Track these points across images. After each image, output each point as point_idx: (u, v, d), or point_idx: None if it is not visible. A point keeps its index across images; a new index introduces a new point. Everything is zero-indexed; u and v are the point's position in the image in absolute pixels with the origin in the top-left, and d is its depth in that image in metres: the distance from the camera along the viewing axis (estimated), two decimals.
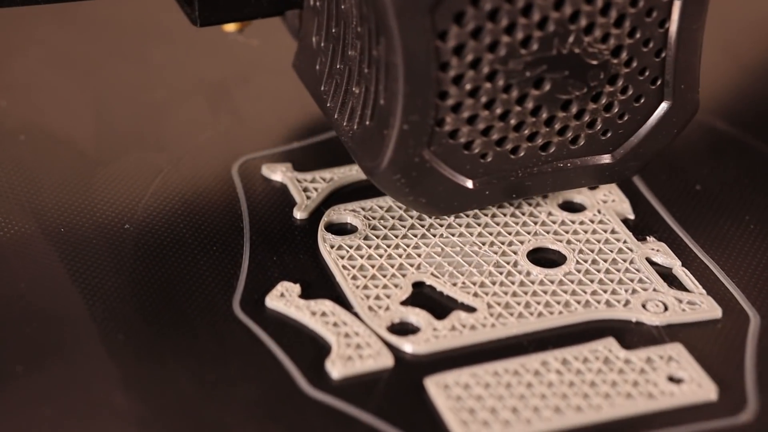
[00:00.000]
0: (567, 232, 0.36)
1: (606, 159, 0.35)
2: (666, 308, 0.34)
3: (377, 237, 0.36)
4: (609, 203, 0.37)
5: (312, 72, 0.36)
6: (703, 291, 0.35)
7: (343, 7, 0.34)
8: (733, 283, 0.35)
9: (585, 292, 0.34)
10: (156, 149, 0.39)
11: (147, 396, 0.32)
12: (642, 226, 0.37)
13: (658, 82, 0.34)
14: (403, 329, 0.33)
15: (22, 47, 0.43)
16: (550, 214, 0.37)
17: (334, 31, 0.35)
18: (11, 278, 0.34)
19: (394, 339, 0.33)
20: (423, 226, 0.36)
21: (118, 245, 0.35)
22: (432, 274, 0.35)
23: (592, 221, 0.37)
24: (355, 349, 0.33)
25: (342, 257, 0.35)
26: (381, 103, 0.33)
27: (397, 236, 0.36)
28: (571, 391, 0.32)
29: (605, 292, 0.34)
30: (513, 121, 0.34)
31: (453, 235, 0.36)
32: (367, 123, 0.34)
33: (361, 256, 0.35)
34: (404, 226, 0.36)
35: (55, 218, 0.36)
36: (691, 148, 0.40)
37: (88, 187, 0.37)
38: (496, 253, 0.35)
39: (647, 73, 0.34)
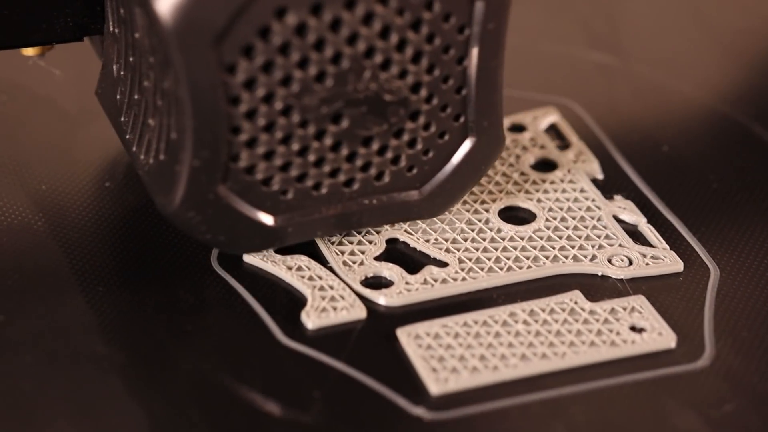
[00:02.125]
0: (537, 191, 0.37)
1: (414, 195, 0.34)
2: (630, 263, 0.35)
3: None
4: (579, 163, 0.38)
5: (113, 101, 0.35)
6: (667, 246, 0.36)
7: (137, 35, 0.33)
8: (696, 238, 0.36)
9: (553, 248, 0.35)
10: None
11: (126, 344, 0.32)
12: (610, 185, 0.38)
13: (461, 119, 0.33)
14: (377, 283, 0.34)
15: None
16: (521, 174, 0.37)
17: (131, 60, 0.33)
18: None
19: (367, 292, 0.34)
20: None
21: (98, 202, 0.36)
22: (405, 230, 0.36)
23: (562, 180, 0.37)
24: (329, 302, 0.34)
25: None
26: (173, 137, 0.32)
27: None
28: (537, 340, 0.33)
29: (573, 247, 0.35)
30: (312, 157, 0.32)
31: None
32: (162, 157, 0.32)
33: None
34: None
35: (36, 175, 0.37)
36: (659, 111, 0.41)
37: (70, 146, 0.38)
38: (468, 211, 0.36)
39: (449, 110, 0.33)
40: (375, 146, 0.33)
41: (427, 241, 0.35)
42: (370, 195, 0.34)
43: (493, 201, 0.37)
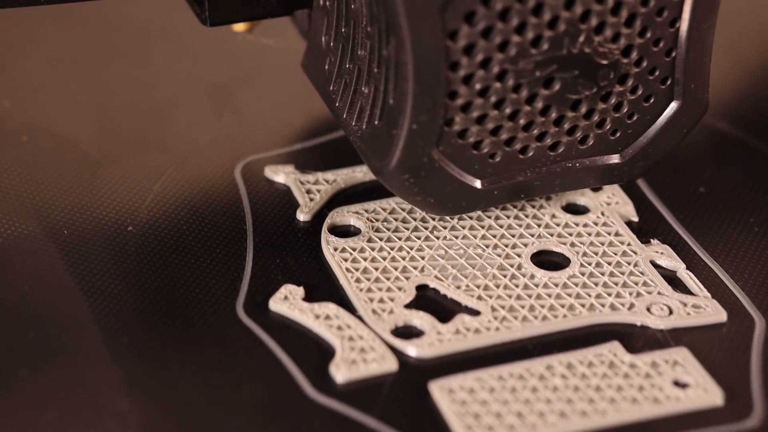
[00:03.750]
0: (571, 235, 0.36)
1: (615, 159, 0.35)
2: (671, 312, 0.34)
3: (380, 239, 0.36)
4: (612, 205, 0.37)
5: (321, 72, 0.36)
6: (708, 294, 0.35)
7: (353, 6, 0.34)
8: (738, 286, 0.35)
9: (589, 296, 0.34)
10: (159, 151, 0.39)
11: (151, 399, 0.31)
12: (646, 228, 0.37)
13: (668, 82, 0.34)
14: (407, 333, 0.33)
15: (25, 48, 0.43)
16: (553, 216, 0.37)
17: (343, 30, 0.35)
18: (15, 281, 0.34)
19: (398, 342, 0.33)
20: (426, 229, 0.36)
21: (121, 247, 0.35)
22: (436, 276, 0.35)
23: (596, 223, 0.36)
24: (359, 353, 0.33)
25: (345, 260, 0.35)
26: (390, 103, 0.33)
27: (400, 239, 0.36)
28: (576, 395, 0.32)
29: (609, 295, 0.34)
30: (522, 121, 0.33)
31: (456, 237, 0.36)
32: (376, 123, 0.34)
33: (365, 259, 0.35)
34: (407, 229, 0.36)
35: (58, 220, 0.36)
36: (694, 149, 0.40)
37: (91, 189, 0.37)
38: (499, 255, 0.35)
39: (657, 73, 0.34)
40: (582, 110, 0.34)
41: (458, 287, 0.34)
42: (573, 158, 0.34)
43: (525, 245, 0.36)
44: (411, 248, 0.35)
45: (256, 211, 0.37)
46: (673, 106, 0.35)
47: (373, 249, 0.35)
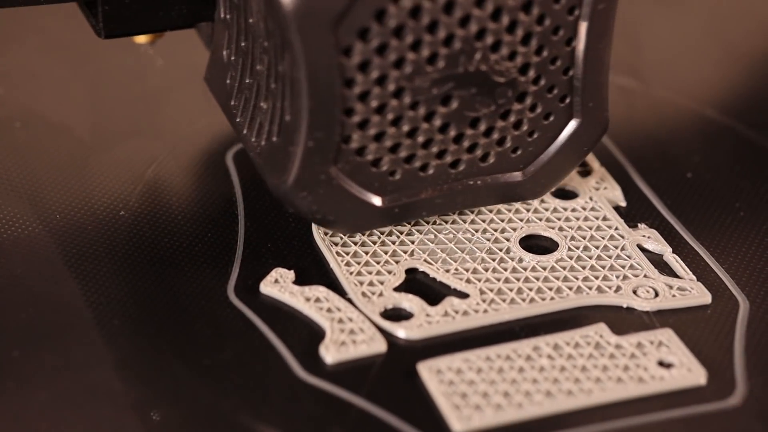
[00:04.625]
0: (559, 219, 0.36)
1: (517, 177, 0.35)
2: (657, 294, 0.34)
3: None
4: (601, 190, 0.37)
5: (223, 86, 0.35)
6: (693, 277, 0.35)
7: (250, 21, 0.33)
8: (723, 269, 0.35)
9: (577, 279, 0.35)
10: (151, 137, 0.39)
11: (142, 381, 0.32)
12: (633, 213, 0.37)
13: (567, 100, 0.34)
14: (397, 315, 0.34)
15: (19, 35, 0.43)
16: (542, 201, 0.37)
17: (243, 45, 0.34)
18: (7, 264, 0.34)
19: (387, 324, 0.33)
20: None
21: (113, 232, 0.36)
22: (425, 260, 0.35)
23: (584, 208, 0.37)
24: (348, 335, 0.33)
25: (336, 244, 0.35)
26: (287, 119, 0.32)
27: None
28: (563, 375, 0.32)
29: (597, 278, 0.35)
30: (421, 139, 0.33)
31: (446, 222, 0.36)
32: (274, 139, 0.33)
33: (355, 243, 0.35)
34: None
35: (51, 205, 0.36)
36: (682, 136, 0.40)
37: (84, 174, 0.38)
38: (488, 239, 0.36)
39: (556, 91, 0.34)
40: (482, 127, 0.34)
41: (447, 271, 0.35)
42: (475, 176, 0.34)
43: (514, 229, 0.36)
44: (401, 232, 0.36)
45: (248, 196, 0.37)
46: (573, 124, 0.34)
47: (363, 233, 0.36)
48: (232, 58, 0.35)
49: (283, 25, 0.31)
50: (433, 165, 0.34)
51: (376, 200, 0.34)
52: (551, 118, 0.34)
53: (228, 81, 0.35)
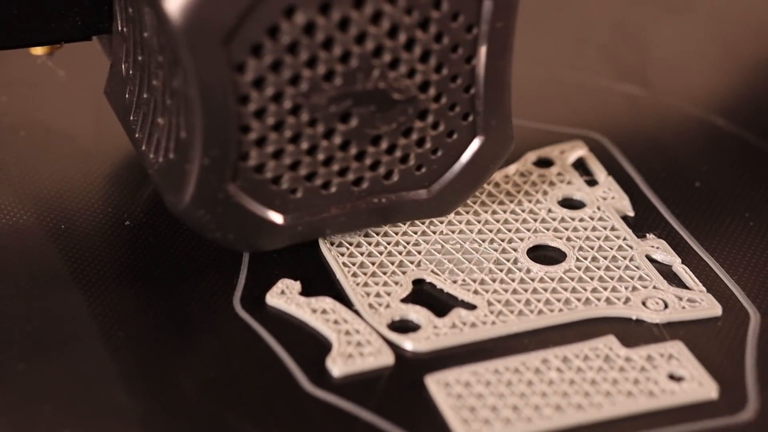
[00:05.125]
0: (567, 229, 0.36)
1: (422, 194, 0.34)
2: (666, 306, 0.34)
3: (377, 234, 0.36)
4: (609, 200, 0.37)
5: (122, 100, 0.35)
6: (703, 288, 0.35)
7: (145, 35, 0.33)
8: (733, 280, 0.35)
9: (585, 290, 0.34)
10: None
11: (148, 394, 0.32)
12: (641, 223, 0.37)
13: (470, 118, 0.34)
14: (404, 327, 0.33)
15: None
16: (549, 211, 0.37)
17: (140, 59, 0.34)
18: (12, 275, 0.34)
19: (394, 336, 0.33)
20: (423, 223, 0.36)
21: (118, 242, 0.35)
22: (432, 271, 0.35)
23: (592, 218, 0.37)
24: (355, 347, 0.33)
25: (342, 254, 0.35)
26: (182, 136, 0.32)
27: (397, 233, 0.36)
28: (572, 389, 0.32)
29: (605, 289, 0.34)
30: (321, 156, 0.33)
31: (453, 232, 0.36)
32: (171, 156, 0.33)
33: (362, 254, 0.35)
34: (404, 223, 0.36)
35: (56, 215, 0.36)
36: (690, 145, 0.40)
37: (88, 184, 0.37)
38: (496, 250, 0.35)
39: (458, 109, 0.33)
40: (384, 145, 0.33)
41: (455, 282, 0.34)
42: (379, 194, 0.34)
43: (522, 240, 0.36)
44: (407, 243, 0.36)
45: None
46: (477, 141, 0.34)
47: (369, 243, 0.35)
48: (130, 72, 0.34)
49: (172, 40, 0.31)
50: (336, 183, 0.33)
51: (278, 218, 0.33)
52: (454, 136, 0.34)
53: (127, 95, 0.35)
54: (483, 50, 0.33)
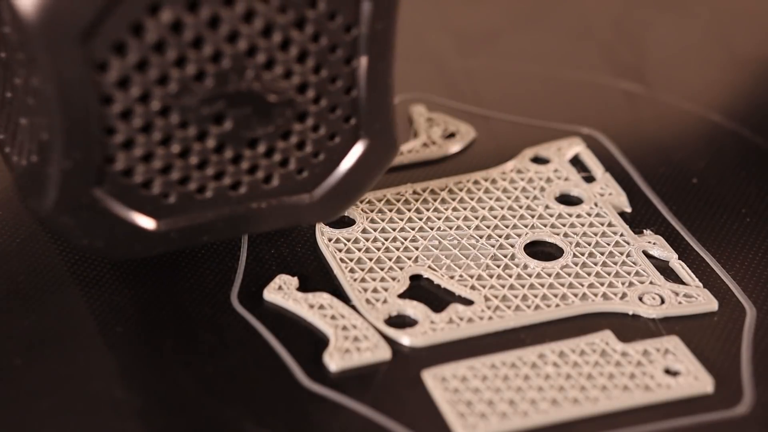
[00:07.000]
0: (564, 225, 0.36)
1: (305, 199, 0.33)
2: (663, 301, 0.34)
3: (375, 230, 0.36)
4: (606, 196, 0.37)
5: None
6: (700, 284, 0.35)
7: (6, 30, 0.31)
8: (729, 275, 0.35)
9: (582, 285, 0.34)
10: None
11: (145, 389, 0.32)
12: (639, 219, 0.37)
13: (352, 121, 0.33)
14: (401, 322, 0.33)
15: None
16: (547, 207, 0.37)
17: (2, 55, 0.32)
18: (10, 271, 0.34)
19: (391, 332, 0.33)
20: (420, 219, 0.36)
21: None
22: (429, 266, 0.35)
23: (589, 214, 0.37)
24: (352, 342, 0.33)
25: (340, 250, 0.35)
26: (43, 138, 0.31)
27: (394, 229, 0.36)
28: (568, 383, 0.32)
29: (602, 285, 0.34)
30: (195, 160, 0.32)
31: (450, 228, 0.36)
32: (33, 159, 0.31)
33: (359, 249, 0.35)
34: (401, 219, 0.36)
35: None
36: (687, 141, 0.40)
37: None
38: (493, 246, 0.35)
39: (338, 112, 0.33)
40: (261, 148, 0.32)
41: (452, 277, 0.35)
42: (259, 198, 0.33)
43: (519, 235, 0.36)
44: (405, 239, 0.36)
45: None
46: (360, 145, 0.33)
47: (367, 239, 0.36)
48: None
49: (26, 36, 0.29)
50: (211, 187, 0.32)
51: (150, 224, 0.32)
52: (336, 139, 0.33)
53: None
54: (363, 51, 0.32)
